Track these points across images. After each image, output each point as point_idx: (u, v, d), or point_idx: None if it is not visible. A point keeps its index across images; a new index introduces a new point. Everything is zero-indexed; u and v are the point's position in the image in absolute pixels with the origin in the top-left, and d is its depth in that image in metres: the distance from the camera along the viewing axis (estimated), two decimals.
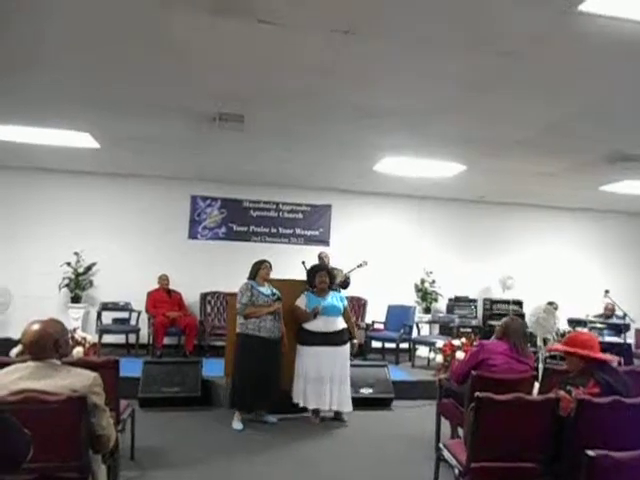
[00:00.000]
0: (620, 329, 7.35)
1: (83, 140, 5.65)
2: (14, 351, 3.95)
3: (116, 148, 6.15)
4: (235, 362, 4.73)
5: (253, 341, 4.58)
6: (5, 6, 2.87)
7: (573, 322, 7.81)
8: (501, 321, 3.74)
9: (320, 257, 6.65)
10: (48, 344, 2.23)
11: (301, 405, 4.82)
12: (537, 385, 3.75)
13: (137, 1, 2.79)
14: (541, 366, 5.24)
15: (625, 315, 7.33)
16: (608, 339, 7.07)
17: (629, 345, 7.01)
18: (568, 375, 2.94)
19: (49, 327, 2.28)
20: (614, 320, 7.66)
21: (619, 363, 5.54)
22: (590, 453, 1.90)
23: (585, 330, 6.67)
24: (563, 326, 7.29)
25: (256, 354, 4.56)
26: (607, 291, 7.45)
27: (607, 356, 2.91)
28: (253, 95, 4.22)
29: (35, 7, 2.88)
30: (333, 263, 6.62)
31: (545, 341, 6.23)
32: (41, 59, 3.60)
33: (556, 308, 7.32)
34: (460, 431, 3.81)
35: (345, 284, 6.49)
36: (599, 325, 7.64)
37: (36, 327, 2.25)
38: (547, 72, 3.50)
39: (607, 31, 2.83)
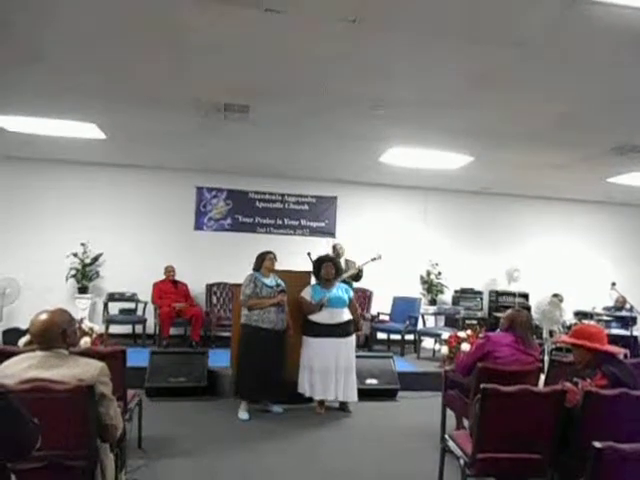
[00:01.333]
0: (627, 322, 7.33)
1: (89, 131, 5.65)
2: (22, 341, 3.99)
3: (122, 139, 6.15)
4: (239, 352, 4.76)
5: (256, 332, 4.61)
6: (11, 1, 2.86)
7: (580, 314, 7.79)
8: (505, 313, 3.71)
9: (335, 248, 6.63)
10: (56, 334, 2.25)
11: (307, 395, 4.85)
12: (543, 377, 3.75)
13: None
14: (547, 358, 5.24)
15: (632, 308, 7.30)
16: (615, 332, 7.06)
17: (636, 338, 6.99)
18: (575, 367, 2.93)
19: (57, 317, 2.30)
20: (624, 313, 7.63)
21: (625, 356, 5.52)
22: (597, 445, 1.89)
23: (592, 322, 6.65)
24: (570, 318, 7.28)
25: (259, 345, 4.59)
26: (614, 283, 7.41)
27: (614, 348, 2.89)
28: (259, 86, 4.20)
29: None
30: (346, 255, 6.61)
31: (551, 333, 6.22)
32: (47, 51, 3.59)
33: (561, 300, 7.30)
34: (465, 422, 3.81)
35: (358, 277, 6.48)
36: (606, 317, 7.62)
37: (44, 317, 2.27)
38: (557, 62, 3.46)
39: (617, 20, 2.79)
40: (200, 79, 4.10)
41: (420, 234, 8.58)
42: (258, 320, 4.61)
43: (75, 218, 7.55)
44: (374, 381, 5.48)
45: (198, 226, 8.05)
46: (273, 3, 2.83)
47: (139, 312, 7.42)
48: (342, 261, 6.62)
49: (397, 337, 7.33)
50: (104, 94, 4.49)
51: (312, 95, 4.36)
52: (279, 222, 8.30)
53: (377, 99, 4.31)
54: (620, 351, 3.01)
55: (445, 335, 6.02)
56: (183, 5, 2.90)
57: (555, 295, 7.46)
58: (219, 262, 7.71)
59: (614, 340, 5.27)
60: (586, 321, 6.95)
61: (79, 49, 3.57)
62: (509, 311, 3.71)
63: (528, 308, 8.01)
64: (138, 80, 4.16)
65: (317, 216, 8.40)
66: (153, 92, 4.42)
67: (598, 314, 7.74)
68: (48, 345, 2.24)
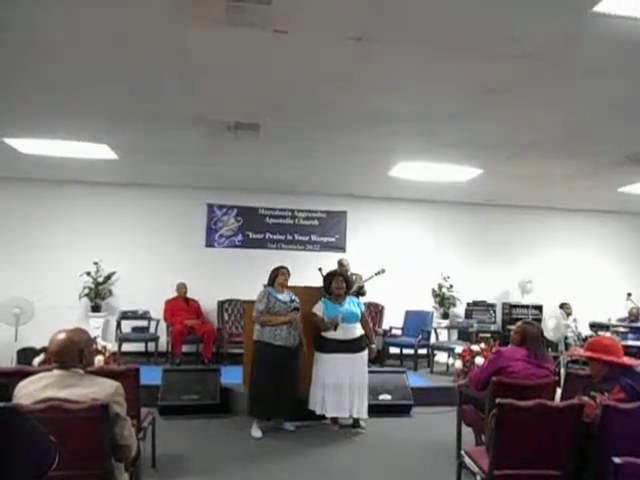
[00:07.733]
0: None
1: (101, 151, 5.75)
2: (37, 360, 4.02)
3: (133, 159, 6.24)
4: (252, 369, 4.75)
5: (269, 349, 4.60)
6: (22, 22, 2.94)
7: (595, 326, 7.67)
8: (516, 326, 3.65)
9: (340, 264, 6.62)
10: (74, 353, 2.27)
11: (318, 413, 4.79)
12: (559, 391, 3.69)
13: (153, 13, 2.84)
14: (563, 371, 5.16)
15: None
16: (631, 343, 6.93)
17: None
18: (592, 380, 2.89)
19: (75, 336, 2.32)
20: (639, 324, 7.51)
21: None
22: (617, 460, 1.87)
23: (608, 334, 6.55)
24: (585, 330, 7.17)
25: (272, 362, 4.58)
26: (629, 294, 7.32)
27: (631, 361, 2.85)
28: (268, 104, 4.25)
29: (52, 21, 2.95)
30: (351, 269, 6.61)
31: (567, 346, 6.13)
32: (59, 73, 3.68)
33: (569, 309, 7.21)
34: (484, 438, 3.75)
35: (360, 293, 6.46)
36: (622, 329, 7.50)
37: (62, 336, 2.29)
38: (564, 74, 3.47)
39: (623, 31, 2.80)
40: (210, 99, 4.16)
41: (431, 247, 8.55)
42: (270, 337, 4.61)
43: (88, 237, 7.63)
44: (387, 397, 5.42)
45: (209, 243, 8.11)
46: (281, 24, 2.89)
47: (152, 330, 7.44)
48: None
49: (410, 351, 7.28)
50: (115, 116, 4.57)
51: (320, 111, 4.39)
52: (289, 238, 8.32)
53: (386, 114, 4.34)
54: (637, 363, 2.96)
55: (458, 349, 5.96)
56: (192, 26, 2.96)
57: (563, 305, 7.37)
58: (230, 279, 7.74)
59: (631, 352, 5.18)
60: (602, 333, 6.84)
61: (90, 72, 3.65)
62: (519, 324, 3.64)
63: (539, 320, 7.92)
64: (148, 100, 4.22)
65: (327, 231, 8.42)
66: (163, 112, 4.49)
67: (614, 325, 7.63)
68: (65, 364, 2.26)
